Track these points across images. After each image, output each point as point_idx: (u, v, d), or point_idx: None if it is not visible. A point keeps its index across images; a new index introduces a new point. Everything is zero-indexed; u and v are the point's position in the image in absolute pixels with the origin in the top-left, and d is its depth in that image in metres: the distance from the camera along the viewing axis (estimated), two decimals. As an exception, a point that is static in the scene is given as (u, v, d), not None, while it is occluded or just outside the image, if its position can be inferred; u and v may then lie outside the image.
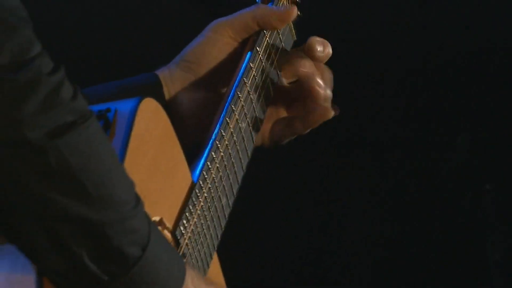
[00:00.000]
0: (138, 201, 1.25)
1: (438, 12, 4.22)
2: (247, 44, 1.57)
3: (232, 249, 1.58)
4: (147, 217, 1.27)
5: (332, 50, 1.65)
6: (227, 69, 1.58)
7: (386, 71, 4.24)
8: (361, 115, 3.39)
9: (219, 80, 1.59)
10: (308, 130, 1.63)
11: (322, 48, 1.59)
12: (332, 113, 1.58)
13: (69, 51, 2.99)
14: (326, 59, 1.61)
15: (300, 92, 1.61)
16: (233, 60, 1.59)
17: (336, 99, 1.67)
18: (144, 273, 1.25)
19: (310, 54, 1.60)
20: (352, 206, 4.16)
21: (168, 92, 1.58)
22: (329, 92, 1.59)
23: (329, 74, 1.60)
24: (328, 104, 1.59)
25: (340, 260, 4.07)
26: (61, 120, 1.18)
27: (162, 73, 1.58)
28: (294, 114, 1.64)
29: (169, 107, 1.58)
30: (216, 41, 1.57)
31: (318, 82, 1.58)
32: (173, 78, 1.59)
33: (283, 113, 1.66)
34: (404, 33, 4.20)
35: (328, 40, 1.66)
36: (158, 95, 1.56)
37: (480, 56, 4.35)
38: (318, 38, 1.59)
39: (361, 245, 4.37)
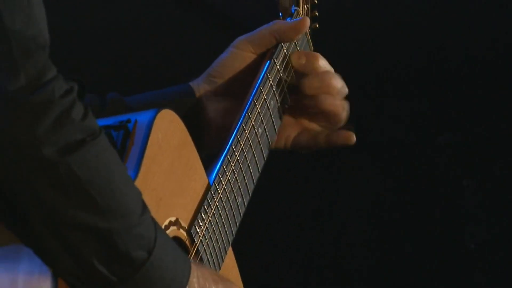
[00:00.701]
0: (144, 209, 1.31)
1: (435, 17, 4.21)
2: (266, 56, 1.65)
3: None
4: (153, 223, 1.32)
5: (337, 52, 1.75)
6: (248, 80, 1.65)
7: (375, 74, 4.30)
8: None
9: (240, 89, 1.65)
10: (331, 145, 1.71)
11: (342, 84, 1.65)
12: (354, 139, 1.65)
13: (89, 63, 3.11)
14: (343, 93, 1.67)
15: (322, 108, 1.66)
16: (253, 71, 1.66)
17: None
18: (150, 275, 1.31)
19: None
20: (341, 202, 4.05)
21: (197, 101, 1.67)
22: (347, 110, 1.65)
23: (340, 85, 1.65)
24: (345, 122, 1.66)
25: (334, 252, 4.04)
26: (71, 138, 1.23)
27: (193, 85, 1.67)
28: (319, 128, 1.69)
29: (198, 114, 1.67)
30: (237, 56, 1.66)
31: (335, 103, 1.64)
32: (200, 90, 1.68)
33: (309, 124, 1.71)
34: (403, 37, 4.06)
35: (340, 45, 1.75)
36: (191, 103, 1.66)
37: (459, 60, 4.15)
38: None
39: (354, 236, 4.21)
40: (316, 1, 1.78)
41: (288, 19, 1.71)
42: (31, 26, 1.27)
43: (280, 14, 1.74)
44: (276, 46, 1.65)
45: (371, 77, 3.94)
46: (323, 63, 1.69)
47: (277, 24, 1.67)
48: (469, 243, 3.95)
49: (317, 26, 1.77)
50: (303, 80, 1.67)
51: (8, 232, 1.31)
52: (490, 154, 4.44)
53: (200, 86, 1.70)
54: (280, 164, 1.82)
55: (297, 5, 1.74)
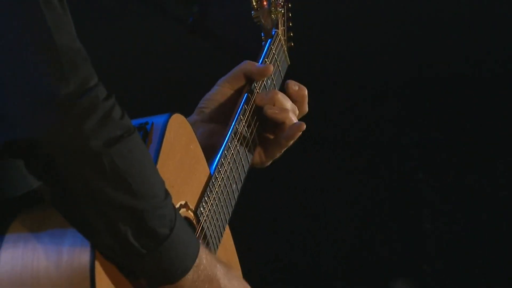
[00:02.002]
0: (167, 195, 1.44)
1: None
2: (244, 90, 1.85)
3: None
4: (174, 207, 1.46)
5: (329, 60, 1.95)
6: (228, 109, 1.87)
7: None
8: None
9: (222, 117, 1.87)
10: (291, 143, 1.89)
11: (297, 87, 1.88)
12: (304, 126, 1.84)
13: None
14: (303, 99, 1.89)
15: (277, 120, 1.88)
16: (232, 102, 1.88)
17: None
18: (171, 248, 1.43)
19: (288, 92, 1.88)
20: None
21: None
22: (295, 112, 1.86)
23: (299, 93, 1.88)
24: (296, 120, 1.85)
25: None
26: (112, 134, 1.36)
27: (190, 117, 1.87)
28: (278, 135, 1.89)
29: None
30: (219, 92, 1.89)
31: (289, 114, 1.85)
32: (192, 120, 1.86)
33: (270, 137, 1.91)
34: (394, 41, 4.12)
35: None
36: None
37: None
38: (293, 82, 1.88)
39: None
40: (290, 24, 1.93)
41: (268, 41, 1.89)
42: (75, 42, 1.38)
43: (262, 34, 1.90)
44: (251, 82, 1.86)
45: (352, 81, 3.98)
46: (279, 97, 1.87)
47: (247, 66, 1.88)
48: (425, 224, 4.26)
49: (292, 44, 1.95)
50: (266, 110, 1.85)
51: (55, 218, 1.43)
52: (447, 153, 4.48)
53: (193, 117, 1.89)
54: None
55: (276, 27, 1.91)
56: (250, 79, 1.88)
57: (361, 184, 4.33)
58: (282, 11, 1.94)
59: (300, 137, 1.84)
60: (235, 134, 1.81)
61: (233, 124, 1.80)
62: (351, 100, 3.88)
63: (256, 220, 3.71)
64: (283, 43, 1.95)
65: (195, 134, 1.77)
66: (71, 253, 1.41)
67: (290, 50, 1.93)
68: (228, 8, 2.16)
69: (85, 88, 1.36)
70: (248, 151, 1.86)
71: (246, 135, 1.85)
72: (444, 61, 4.19)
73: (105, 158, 1.36)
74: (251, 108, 1.86)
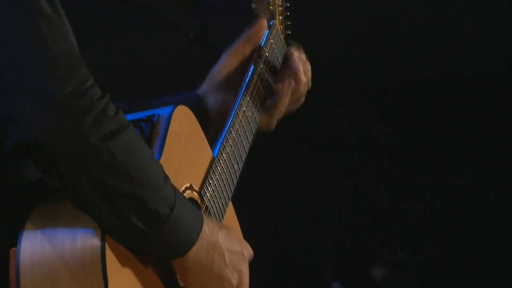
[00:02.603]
0: (166, 178, 1.51)
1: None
2: (250, 58, 1.93)
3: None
4: (173, 188, 1.52)
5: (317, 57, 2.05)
6: (236, 77, 1.94)
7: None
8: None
9: (231, 85, 1.94)
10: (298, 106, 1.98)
11: (298, 53, 1.96)
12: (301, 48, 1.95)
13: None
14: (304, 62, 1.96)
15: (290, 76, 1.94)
16: (239, 71, 1.95)
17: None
18: (173, 225, 1.51)
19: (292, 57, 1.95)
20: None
21: (201, 98, 1.95)
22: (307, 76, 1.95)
23: (308, 65, 1.95)
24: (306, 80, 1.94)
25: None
26: (109, 129, 1.43)
27: (199, 89, 1.96)
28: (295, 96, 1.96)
29: (203, 107, 1.93)
30: (226, 62, 1.96)
31: (301, 71, 1.93)
32: (203, 91, 1.96)
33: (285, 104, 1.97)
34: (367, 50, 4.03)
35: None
36: (201, 104, 1.94)
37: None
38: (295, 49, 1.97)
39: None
40: (288, 14, 2.01)
41: (267, 32, 1.96)
42: (71, 47, 1.44)
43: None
44: (260, 50, 1.93)
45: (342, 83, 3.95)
46: (297, 55, 1.96)
47: (245, 33, 1.96)
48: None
49: (289, 32, 2.02)
50: (281, 71, 1.95)
51: (69, 208, 1.49)
52: (433, 151, 4.46)
53: (202, 88, 1.96)
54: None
55: (274, 18, 1.99)
56: (253, 48, 1.95)
57: (354, 183, 4.33)
58: (279, 2, 2.01)
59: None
60: (238, 112, 1.87)
61: (239, 96, 1.87)
62: (346, 100, 3.90)
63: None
64: (280, 32, 2.02)
65: (207, 102, 1.90)
66: (83, 239, 1.48)
67: (287, 37, 2.00)
68: (228, 23, 2.25)
69: (82, 90, 1.42)
70: (251, 128, 1.91)
71: (252, 108, 1.91)
72: (438, 61, 4.14)
73: (104, 152, 1.42)
74: (259, 78, 1.93)
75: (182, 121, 1.72)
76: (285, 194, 3.90)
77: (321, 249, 4.42)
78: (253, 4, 1.99)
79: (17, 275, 1.46)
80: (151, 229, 1.48)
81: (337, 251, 4.49)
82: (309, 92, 1.97)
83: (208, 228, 1.58)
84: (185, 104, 1.77)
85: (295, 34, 2.04)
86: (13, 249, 1.47)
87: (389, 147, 4.41)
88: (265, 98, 1.94)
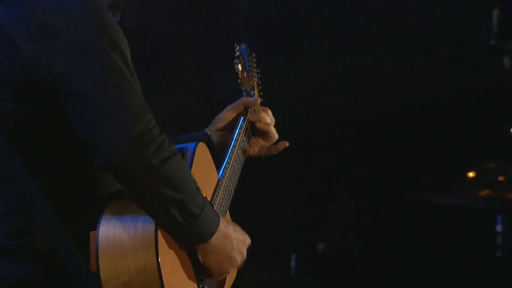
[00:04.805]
0: (198, 189, 1.68)
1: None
2: (241, 114, 2.16)
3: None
4: (202, 195, 1.69)
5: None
6: (232, 125, 2.15)
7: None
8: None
9: (229, 129, 2.15)
10: (275, 153, 2.20)
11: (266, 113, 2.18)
12: (287, 143, 2.19)
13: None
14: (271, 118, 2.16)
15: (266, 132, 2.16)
16: (235, 121, 2.16)
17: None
18: (201, 221, 1.70)
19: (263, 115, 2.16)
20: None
21: (209, 136, 2.15)
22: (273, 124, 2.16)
23: (270, 118, 2.18)
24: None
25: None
26: (164, 155, 1.63)
27: (207, 130, 2.16)
28: (267, 143, 2.20)
29: (210, 141, 2.12)
30: (226, 114, 2.20)
31: (272, 129, 2.18)
32: (209, 131, 2.16)
33: (262, 143, 2.21)
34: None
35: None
36: (208, 139, 2.12)
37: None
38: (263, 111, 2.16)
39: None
40: (260, 88, 2.28)
41: (252, 93, 2.25)
42: (141, 100, 1.64)
43: (244, 93, 2.25)
44: (246, 110, 2.16)
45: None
46: (266, 114, 2.18)
47: (244, 99, 2.20)
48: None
49: (262, 99, 2.25)
50: (256, 123, 2.17)
51: (133, 206, 1.68)
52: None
53: (208, 128, 2.16)
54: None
55: (253, 90, 2.27)
56: (245, 108, 2.16)
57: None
58: (256, 80, 2.28)
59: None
60: (234, 146, 2.06)
61: (234, 138, 2.08)
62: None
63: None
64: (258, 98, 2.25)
65: (211, 142, 2.06)
66: (143, 227, 1.67)
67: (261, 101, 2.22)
68: (226, 80, 2.64)
69: (148, 128, 1.61)
70: (241, 160, 2.10)
71: (242, 145, 2.10)
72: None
73: (161, 171, 1.61)
74: (246, 126, 2.13)
75: (202, 153, 1.92)
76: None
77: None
78: (238, 80, 2.25)
79: (96, 249, 1.63)
80: (189, 223, 1.67)
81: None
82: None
83: (223, 224, 1.76)
84: (200, 139, 1.96)
85: (264, 97, 2.29)
86: (93, 232, 1.65)
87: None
88: (250, 137, 2.14)
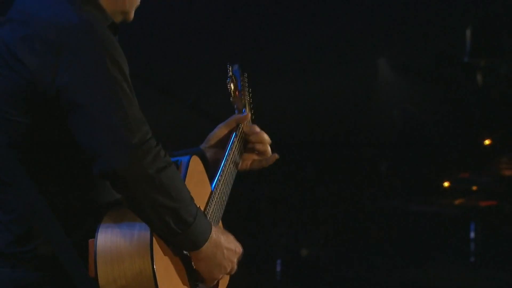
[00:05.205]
0: (191, 198, 1.68)
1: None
2: (233, 130, 2.16)
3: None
4: (195, 205, 1.70)
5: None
6: (225, 140, 2.12)
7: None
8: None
9: (222, 145, 2.12)
10: (267, 165, 2.17)
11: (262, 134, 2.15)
12: (277, 156, 2.16)
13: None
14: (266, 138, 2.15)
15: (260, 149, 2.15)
16: (227, 137, 2.14)
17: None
18: (194, 229, 1.71)
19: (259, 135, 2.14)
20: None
21: (203, 151, 2.11)
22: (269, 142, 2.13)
23: (267, 138, 2.16)
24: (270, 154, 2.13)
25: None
26: (160, 165, 1.62)
27: (201, 146, 2.13)
28: (260, 158, 2.18)
29: (204, 156, 2.08)
30: (219, 130, 2.16)
31: (267, 146, 2.16)
32: (203, 147, 2.13)
33: (255, 156, 2.18)
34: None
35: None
36: (203, 155, 2.08)
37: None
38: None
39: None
40: (252, 106, 2.26)
41: (244, 110, 2.22)
42: (139, 112, 1.64)
43: (236, 111, 2.22)
44: (237, 125, 2.15)
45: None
46: (259, 130, 2.17)
47: (236, 117, 2.16)
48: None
49: (253, 117, 2.25)
50: (250, 138, 2.16)
51: (130, 214, 1.68)
52: None
53: (202, 145, 2.13)
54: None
55: (245, 108, 2.24)
56: (237, 124, 2.14)
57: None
58: (248, 98, 2.27)
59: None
60: (227, 160, 2.05)
61: (226, 152, 2.08)
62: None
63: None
64: (249, 116, 2.24)
65: (205, 158, 2.05)
66: (139, 234, 1.67)
67: (252, 119, 2.26)
68: (216, 96, 2.64)
69: (145, 139, 1.62)
70: (233, 173, 2.10)
71: (234, 159, 2.10)
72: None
73: (157, 179, 1.61)
74: (238, 141, 2.12)
75: (195, 166, 1.93)
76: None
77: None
78: (231, 99, 2.24)
79: (95, 255, 1.64)
80: (182, 231, 1.68)
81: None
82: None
83: (215, 233, 1.77)
84: (195, 154, 1.96)
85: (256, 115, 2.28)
86: (91, 239, 1.66)
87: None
88: (241, 153, 2.14)
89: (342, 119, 4.71)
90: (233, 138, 2.12)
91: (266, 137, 2.15)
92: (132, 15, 1.78)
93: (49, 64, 1.58)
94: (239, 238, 1.88)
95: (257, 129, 2.16)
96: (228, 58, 2.22)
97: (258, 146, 2.14)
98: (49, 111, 1.61)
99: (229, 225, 1.96)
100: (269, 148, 2.15)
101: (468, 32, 4.94)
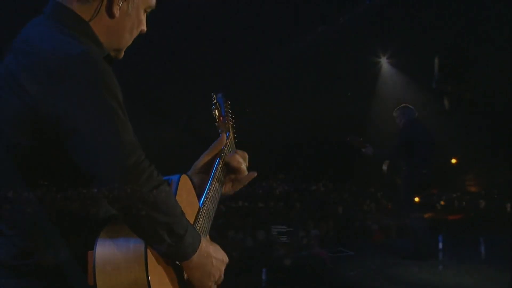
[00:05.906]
0: (183, 213, 1.68)
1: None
2: (216, 155, 2.13)
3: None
4: (186, 219, 1.69)
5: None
6: (210, 165, 2.11)
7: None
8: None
9: (207, 169, 2.10)
10: (246, 183, 2.16)
11: (243, 159, 2.15)
12: (256, 174, 2.14)
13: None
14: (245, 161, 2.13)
15: (238, 170, 2.13)
16: (211, 162, 2.12)
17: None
18: (185, 241, 1.69)
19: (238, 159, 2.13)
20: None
21: (190, 176, 2.05)
22: (246, 164, 2.12)
23: (245, 155, 2.14)
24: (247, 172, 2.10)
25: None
26: (154, 184, 1.61)
27: (189, 172, 2.10)
28: (239, 178, 2.15)
29: (192, 180, 2.03)
30: (204, 158, 2.13)
31: (243, 167, 2.14)
32: (191, 172, 2.11)
33: (234, 178, 2.16)
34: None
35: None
36: (190, 178, 2.02)
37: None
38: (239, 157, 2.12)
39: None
40: (235, 130, 2.24)
41: (227, 134, 2.19)
42: (132, 136, 1.61)
43: (220, 135, 2.18)
44: (222, 151, 2.11)
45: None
46: (239, 156, 2.14)
47: (216, 143, 2.14)
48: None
49: (236, 140, 2.23)
50: (231, 163, 2.14)
51: (126, 229, 1.65)
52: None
53: (190, 171, 2.11)
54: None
55: (229, 131, 2.22)
56: (219, 150, 2.11)
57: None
58: (231, 123, 2.26)
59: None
60: (213, 180, 2.03)
61: (212, 174, 2.06)
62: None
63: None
64: (232, 139, 2.26)
65: (193, 182, 1.99)
66: (134, 246, 1.65)
67: (236, 142, 2.25)
68: (205, 117, 2.67)
69: (138, 161, 1.60)
70: (219, 190, 2.08)
71: (219, 179, 2.07)
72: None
73: (151, 197, 1.60)
74: (221, 165, 2.09)
75: (184, 184, 1.92)
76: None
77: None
78: (216, 123, 2.22)
79: (94, 265, 1.62)
80: (174, 243, 1.67)
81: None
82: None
83: (204, 244, 1.77)
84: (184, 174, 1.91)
85: (238, 138, 2.28)
86: (90, 251, 1.64)
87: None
88: (224, 177, 2.12)
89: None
90: (216, 164, 2.10)
91: (239, 158, 2.13)
92: (122, 53, 1.78)
93: (50, 91, 1.56)
94: (225, 249, 1.88)
95: (237, 152, 2.14)
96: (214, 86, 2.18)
97: (234, 164, 2.12)
98: (49, 135, 1.58)
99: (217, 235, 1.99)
100: (244, 168, 2.13)
101: (436, 61, 4.86)
